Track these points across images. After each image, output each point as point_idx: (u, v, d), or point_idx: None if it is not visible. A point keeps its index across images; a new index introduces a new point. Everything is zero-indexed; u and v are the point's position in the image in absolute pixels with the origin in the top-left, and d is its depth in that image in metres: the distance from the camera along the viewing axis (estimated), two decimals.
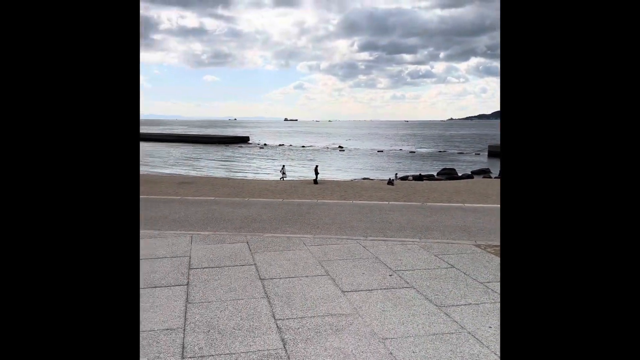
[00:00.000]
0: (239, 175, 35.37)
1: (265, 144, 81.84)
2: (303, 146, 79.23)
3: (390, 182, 22.80)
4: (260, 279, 5.38)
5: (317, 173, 24.56)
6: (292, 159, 51.37)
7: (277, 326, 4.06)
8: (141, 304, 4.53)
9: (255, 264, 5.96)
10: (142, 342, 3.73)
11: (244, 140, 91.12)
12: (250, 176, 34.47)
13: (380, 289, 5.09)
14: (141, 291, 4.92)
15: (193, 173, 36.08)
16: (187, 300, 4.67)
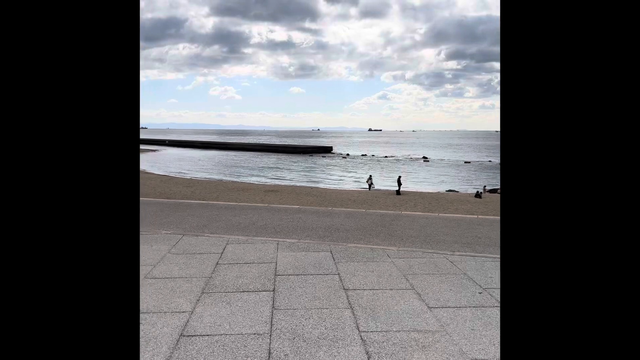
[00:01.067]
0: (322, 184, 35.89)
1: (347, 154, 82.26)
2: (386, 156, 78.55)
3: (478, 194, 21.81)
4: (344, 289, 5.38)
5: (399, 184, 24.19)
6: (375, 170, 51.11)
7: (362, 338, 4.02)
8: (230, 308, 4.74)
9: (338, 274, 5.97)
10: (231, 345, 3.89)
11: (327, 150, 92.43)
12: (332, 186, 34.83)
13: (469, 306, 4.84)
14: (231, 295, 5.15)
15: (278, 182, 37.28)
16: (273, 307, 4.78)
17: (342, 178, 44.85)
